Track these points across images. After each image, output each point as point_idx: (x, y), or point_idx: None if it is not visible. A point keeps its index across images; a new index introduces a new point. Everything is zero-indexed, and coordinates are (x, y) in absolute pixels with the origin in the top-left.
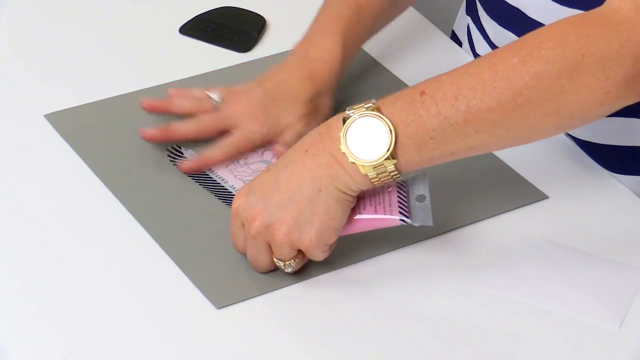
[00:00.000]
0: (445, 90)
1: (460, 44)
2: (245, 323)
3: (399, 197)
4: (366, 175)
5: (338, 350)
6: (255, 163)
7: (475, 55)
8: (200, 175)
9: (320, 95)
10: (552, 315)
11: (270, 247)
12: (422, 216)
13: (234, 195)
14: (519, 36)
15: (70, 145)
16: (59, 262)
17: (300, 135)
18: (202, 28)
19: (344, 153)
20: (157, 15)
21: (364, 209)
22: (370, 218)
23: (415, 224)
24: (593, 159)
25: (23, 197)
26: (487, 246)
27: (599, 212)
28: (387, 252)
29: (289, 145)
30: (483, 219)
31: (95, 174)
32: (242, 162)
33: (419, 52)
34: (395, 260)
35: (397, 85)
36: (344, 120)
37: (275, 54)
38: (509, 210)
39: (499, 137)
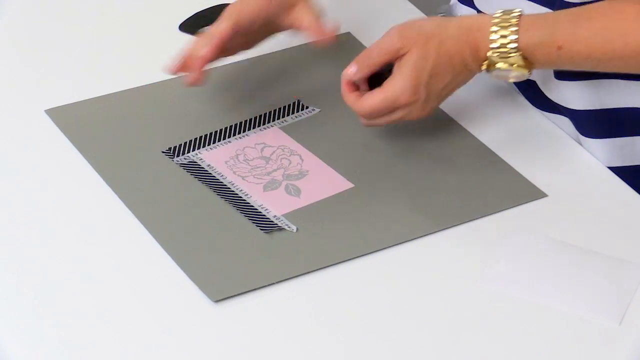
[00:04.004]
0: (580, 48)
1: None
2: (241, 317)
3: None
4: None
5: (334, 345)
6: (255, 159)
7: None
8: (199, 171)
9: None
10: (552, 313)
11: None
12: None
13: (232, 190)
14: None
15: (71, 141)
16: (57, 256)
17: None
18: (202, 25)
19: None
20: (157, 12)
21: None
22: None
23: None
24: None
25: (23, 192)
26: (486, 244)
27: (598, 209)
28: (386, 249)
29: None
30: (482, 217)
31: (95, 169)
32: (241, 158)
33: None
34: (393, 257)
35: None
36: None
37: (275, 52)
38: (508, 208)
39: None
